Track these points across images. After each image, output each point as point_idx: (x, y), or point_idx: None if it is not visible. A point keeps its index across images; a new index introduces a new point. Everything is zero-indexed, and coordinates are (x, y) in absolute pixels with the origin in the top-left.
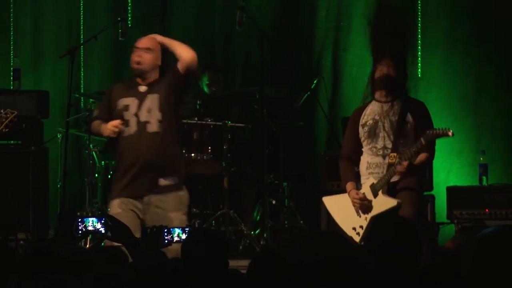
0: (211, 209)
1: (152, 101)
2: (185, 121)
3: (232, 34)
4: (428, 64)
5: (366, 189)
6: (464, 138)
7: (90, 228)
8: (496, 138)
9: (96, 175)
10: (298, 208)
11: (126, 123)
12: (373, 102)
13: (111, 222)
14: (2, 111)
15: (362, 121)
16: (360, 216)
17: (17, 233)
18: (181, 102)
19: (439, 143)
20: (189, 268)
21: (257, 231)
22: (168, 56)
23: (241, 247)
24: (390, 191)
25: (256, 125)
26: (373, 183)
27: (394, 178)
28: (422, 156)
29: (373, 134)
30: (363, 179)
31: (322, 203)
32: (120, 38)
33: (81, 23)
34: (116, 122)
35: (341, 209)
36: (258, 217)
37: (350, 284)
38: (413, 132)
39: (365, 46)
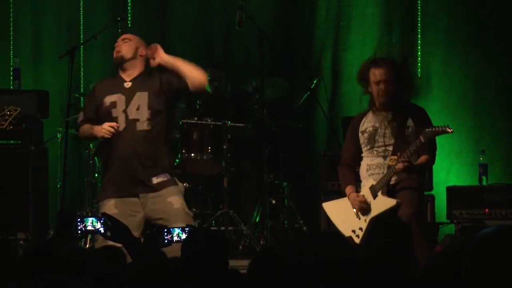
0: (211, 209)
1: (141, 98)
2: (185, 121)
3: (232, 34)
4: (428, 64)
5: (365, 191)
6: (464, 138)
7: (89, 228)
8: (496, 138)
9: (96, 175)
10: (298, 208)
11: (114, 120)
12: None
13: (110, 222)
14: (5, 108)
15: (361, 128)
16: (359, 219)
17: (17, 233)
18: (172, 104)
19: (439, 143)
20: (189, 268)
21: (257, 231)
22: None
23: (241, 247)
24: (390, 192)
25: (256, 125)
26: (372, 185)
27: (394, 180)
28: (422, 158)
29: (373, 140)
30: (363, 182)
31: (321, 208)
32: None
33: (81, 23)
34: (112, 123)
35: (340, 213)
36: (258, 217)
37: (350, 284)
38: (414, 136)
39: (365, 46)
